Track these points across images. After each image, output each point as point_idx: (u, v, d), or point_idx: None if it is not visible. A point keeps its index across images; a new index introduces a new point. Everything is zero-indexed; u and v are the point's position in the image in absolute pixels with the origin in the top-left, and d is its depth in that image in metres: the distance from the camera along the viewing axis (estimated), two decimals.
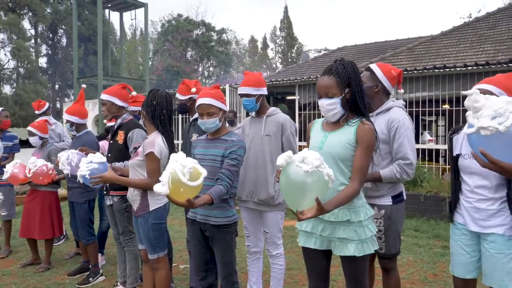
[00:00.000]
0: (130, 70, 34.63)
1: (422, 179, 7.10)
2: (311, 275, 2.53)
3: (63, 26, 27.47)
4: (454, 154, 2.57)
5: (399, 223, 2.89)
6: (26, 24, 27.46)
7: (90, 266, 4.41)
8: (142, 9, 15.43)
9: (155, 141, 3.08)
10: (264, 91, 3.33)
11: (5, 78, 27.07)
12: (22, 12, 26.55)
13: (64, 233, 5.94)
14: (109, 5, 15.55)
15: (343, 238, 2.30)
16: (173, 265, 4.29)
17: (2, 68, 26.95)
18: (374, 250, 2.55)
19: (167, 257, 3.35)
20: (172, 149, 3.17)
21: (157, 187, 2.21)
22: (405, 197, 2.95)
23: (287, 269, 4.29)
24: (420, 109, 8.13)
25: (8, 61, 27.55)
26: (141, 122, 3.68)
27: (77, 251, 5.16)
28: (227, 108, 2.90)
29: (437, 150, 8.71)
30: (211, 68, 41.28)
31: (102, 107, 3.82)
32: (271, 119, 3.32)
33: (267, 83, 9.93)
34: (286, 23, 50.37)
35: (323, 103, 2.32)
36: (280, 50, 51.99)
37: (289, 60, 47.76)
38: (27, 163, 4.35)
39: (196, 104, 2.84)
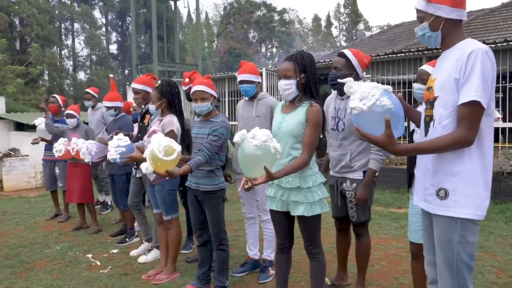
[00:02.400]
0: (194, 54, 35.93)
1: None
2: (277, 234, 3.04)
3: (130, 14, 29.21)
4: (410, 130, 2.95)
5: (369, 195, 3.28)
6: (97, 13, 29.66)
7: (127, 229, 5.21)
8: None
9: (173, 121, 3.70)
10: (259, 78, 3.84)
11: (79, 65, 29.59)
12: (93, 2, 28.68)
13: (110, 203, 6.89)
14: None
15: (296, 201, 2.78)
16: None
17: (77, 56, 29.41)
18: (351, 219, 3.07)
19: (178, 219, 4.00)
20: (183, 128, 3.80)
21: (142, 166, 2.84)
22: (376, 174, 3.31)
23: None
24: None
25: (82, 49, 30.06)
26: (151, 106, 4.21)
27: (121, 218, 6.02)
28: (216, 95, 3.44)
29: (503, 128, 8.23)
30: (273, 49, 41.63)
31: (135, 95, 4.47)
32: (261, 102, 3.80)
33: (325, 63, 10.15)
34: (351, 0, 49.08)
35: (282, 83, 2.79)
36: (344, 27, 50.97)
37: (354, 38, 46.75)
38: (71, 143, 5.09)
39: (191, 91, 3.42)
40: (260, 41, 38.96)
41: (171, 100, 3.80)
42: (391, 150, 1.94)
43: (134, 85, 4.41)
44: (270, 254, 3.96)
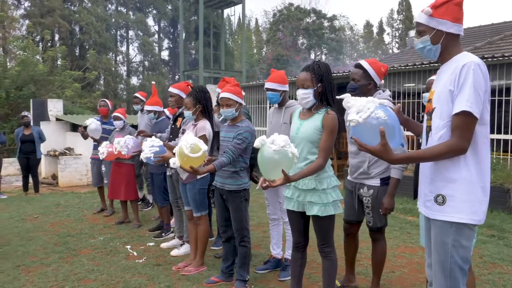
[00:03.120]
0: (242, 60, 36.62)
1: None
2: (293, 232, 3.25)
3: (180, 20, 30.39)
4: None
5: None
6: (150, 21, 31.07)
7: (164, 225, 5.59)
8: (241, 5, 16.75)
9: (206, 126, 4.01)
10: (286, 87, 4.00)
11: (133, 70, 31.08)
12: (147, 10, 30.07)
13: (151, 201, 7.33)
14: (210, 4, 17.03)
15: (311, 202, 2.98)
16: None
17: (131, 62, 30.90)
18: (368, 224, 3.24)
19: (207, 216, 4.29)
20: (214, 133, 4.10)
21: (171, 160, 3.16)
22: None
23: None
24: None
25: (135, 55, 31.57)
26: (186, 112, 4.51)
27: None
28: (243, 102, 3.71)
29: None
30: (323, 56, 41.56)
31: (170, 98, 4.84)
32: (289, 109, 4.00)
33: (347, 73, 10.19)
34: (405, 5, 48.01)
35: (299, 92, 3.00)
36: (397, 34, 50.00)
37: (407, 45, 45.76)
38: (114, 144, 5.50)
39: (219, 97, 3.71)
40: (309, 48, 38.98)
41: (205, 105, 4.11)
42: (387, 158, 2.08)
43: (171, 89, 4.78)
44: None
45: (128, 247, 5.08)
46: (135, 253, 4.84)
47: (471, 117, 2.00)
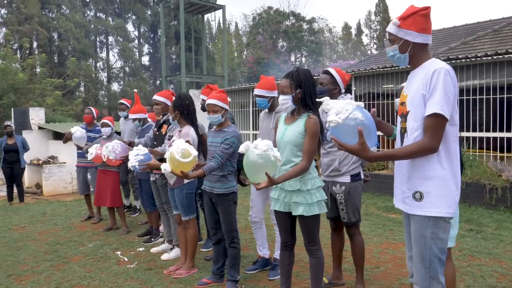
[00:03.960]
0: (223, 64, 36.70)
1: (466, 167, 7.27)
2: (281, 232, 3.39)
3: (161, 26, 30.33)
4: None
5: (357, 197, 3.63)
6: (130, 27, 30.97)
7: (153, 230, 5.67)
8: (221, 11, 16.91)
9: (189, 132, 4.13)
10: (275, 93, 4.13)
11: (113, 76, 30.92)
12: (126, 16, 29.98)
13: (138, 207, 7.40)
14: (191, 9, 17.14)
15: (296, 202, 3.13)
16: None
17: (111, 68, 30.75)
18: (342, 219, 3.47)
19: (195, 220, 4.40)
20: (199, 137, 4.21)
21: (162, 166, 3.27)
22: (362, 177, 3.67)
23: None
24: (505, 95, 7.68)
25: (116, 61, 31.41)
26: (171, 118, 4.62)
27: (147, 220, 6.48)
28: (228, 108, 3.84)
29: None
30: (302, 59, 41.90)
31: (155, 106, 4.91)
32: (278, 115, 4.09)
33: (316, 76, 10.37)
34: (382, 7, 48.73)
35: (280, 98, 3.18)
36: (375, 35, 50.73)
37: (385, 46, 46.35)
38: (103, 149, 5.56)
39: (206, 104, 3.84)
40: (289, 51, 39.29)
41: (182, 111, 4.22)
42: (365, 156, 2.25)
43: (156, 97, 4.84)
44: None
45: (119, 253, 5.15)
46: (125, 259, 4.92)
47: (442, 119, 2.18)
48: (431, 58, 2.35)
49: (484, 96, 7.83)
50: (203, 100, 4.70)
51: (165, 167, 3.30)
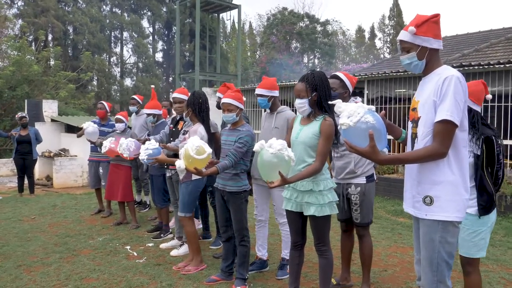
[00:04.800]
0: (236, 63, 36.79)
1: None
2: (291, 232, 3.39)
3: (176, 24, 30.41)
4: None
5: (371, 197, 3.66)
6: (145, 23, 31.14)
7: (163, 226, 5.69)
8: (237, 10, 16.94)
9: (198, 130, 4.14)
10: (276, 93, 4.18)
11: (126, 71, 31.14)
12: (142, 12, 30.18)
13: (148, 202, 7.44)
14: (207, 8, 17.19)
15: (308, 202, 3.14)
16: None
17: (125, 63, 30.96)
18: (355, 221, 3.54)
19: (193, 219, 4.40)
20: (210, 135, 4.22)
21: (177, 162, 3.29)
22: (375, 178, 3.67)
23: None
24: None
25: (129, 57, 31.61)
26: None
27: (156, 216, 6.51)
28: (243, 107, 3.84)
29: None
30: (315, 60, 41.86)
31: (176, 104, 4.90)
32: (279, 115, 4.17)
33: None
34: (396, 11, 48.48)
35: (296, 102, 3.18)
36: (388, 39, 50.51)
37: (398, 50, 46.17)
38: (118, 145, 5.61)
39: (221, 102, 3.85)
40: (302, 52, 39.28)
41: (194, 109, 4.23)
42: (375, 159, 2.28)
43: (176, 94, 4.84)
44: (288, 253, 4.30)
45: (128, 247, 5.17)
46: (135, 253, 4.94)
47: (451, 125, 2.21)
48: (442, 64, 2.39)
49: (496, 104, 7.77)
50: (219, 98, 4.71)
51: (180, 164, 3.32)
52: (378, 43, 51.76)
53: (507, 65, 7.54)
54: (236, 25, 38.67)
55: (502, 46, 11.86)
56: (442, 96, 2.24)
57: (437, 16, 2.38)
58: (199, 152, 3.26)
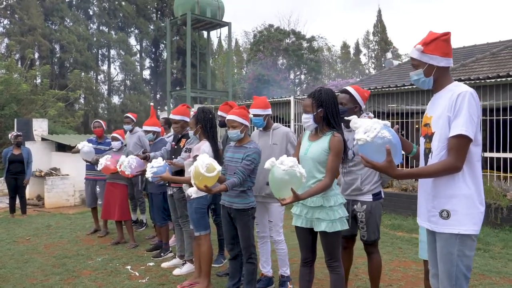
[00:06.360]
0: (224, 80, 36.91)
1: None
2: (301, 248, 3.39)
3: (164, 41, 30.43)
4: None
5: (378, 216, 3.66)
6: (132, 40, 31.16)
7: (162, 244, 5.62)
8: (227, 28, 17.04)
9: (201, 147, 4.14)
10: (269, 111, 4.27)
11: (114, 89, 31.04)
12: (129, 30, 30.24)
13: (145, 221, 7.36)
14: (198, 26, 17.30)
15: (319, 218, 3.15)
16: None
17: (112, 81, 30.86)
18: (362, 239, 3.50)
19: (209, 236, 4.36)
20: (216, 151, 4.21)
21: (188, 191, 3.32)
22: (383, 196, 3.70)
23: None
24: (508, 117, 7.77)
25: (117, 74, 31.53)
26: (190, 133, 4.61)
27: (154, 234, 6.44)
28: (248, 124, 3.85)
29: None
30: (302, 76, 42.23)
31: (174, 124, 4.87)
32: (276, 131, 4.23)
33: (337, 93, 10.48)
34: (380, 27, 49.39)
35: (303, 117, 3.24)
36: (373, 55, 51.34)
37: (383, 65, 46.86)
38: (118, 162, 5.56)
39: (226, 119, 3.87)
40: (289, 68, 39.62)
41: (204, 126, 4.24)
42: (391, 174, 2.31)
43: (173, 116, 4.80)
44: (286, 270, 4.33)
45: (129, 267, 5.10)
46: (136, 273, 4.87)
47: (466, 139, 2.27)
48: (453, 81, 2.46)
49: (488, 117, 7.93)
50: (221, 117, 4.74)
51: (191, 192, 3.40)
52: (363, 59, 52.60)
53: (498, 80, 7.73)
54: (223, 42, 39.10)
55: (488, 61, 12.13)
56: (456, 111, 2.29)
57: (447, 34, 2.44)
58: (209, 170, 3.26)
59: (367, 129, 2.32)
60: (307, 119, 3.18)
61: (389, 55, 30.44)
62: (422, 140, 2.58)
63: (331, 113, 3.17)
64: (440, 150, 2.37)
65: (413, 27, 72.28)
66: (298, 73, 41.87)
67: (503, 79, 7.68)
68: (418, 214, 2.61)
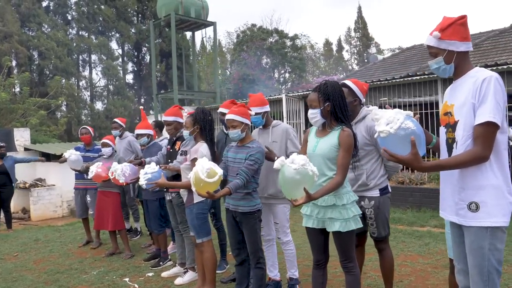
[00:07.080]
0: (208, 81, 36.60)
1: None
2: (313, 249, 3.20)
3: (146, 44, 29.93)
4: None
5: (386, 211, 3.50)
6: (113, 45, 30.52)
7: (161, 253, 5.37)
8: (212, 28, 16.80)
9: (199, 149, 3.92)
10: (267, 108, 4.11)
11: (97, 95, 30.37)
12: (110, 34, 29.63)
13: (139, 229, 7.08)
14: (182, 26, 17.03)
15: (331, 218, 2.96)
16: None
17: (95, 86, 30.25)
18: (372, 235, 3.32)
19: (211, 242, 4.14)
20: (214, 154, 3.99)
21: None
22: (390, 190, 3.53)
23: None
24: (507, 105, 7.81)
25: (99, 80, 30.85)
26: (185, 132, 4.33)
27: (150, 243, 6.18)
28: (249, 122, 3.63)
29: None
30: (286, 74, 42.16)
31: (167, 126, 4.68)
32: (275, 129, 4.06)
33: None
34: (361, 24, 49.75)
35: (309, 112, 3.04)
36: (355, 51, 51.59)
37: (365, 60, 47.11)
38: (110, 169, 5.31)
39: (225, 119, 3.65)
40: (273, 67, 39.49)
41: (202, 127, 4.03)
42: (417, 166, 2.16)
43: (166, 117, 4.64)
44: (294, 272, 4.15)
45: (127, 279, 4.83)
46: (136, 286, 4.61)
47: (494, 126, 2.15)
48: (473, 66, 2.32)
49: None
50: (223, 114, 4.53)
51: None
52: (346, 55, 52.79)
53: (499, 67, 7.71)
54: (206, 43, 38.78)
55: (471, 52, 12.11)
56: (481, 97, 2.16)
57: (463, 18, 2.31)
58: (210, 175, 3.04)
59: (389, 120, 2.16)
60: (314, 114, 3.00)
61: (373, 49, 30.52)
62: (442, 129, 2.44)
63: (338, 106, 2.98)
64: (466, 139, 2.24)
65: (394, 22, 72.92)
66: (282, 71, 41.77)
67: (496, 68, 7.66)
68: (442, 208, 2.47)
